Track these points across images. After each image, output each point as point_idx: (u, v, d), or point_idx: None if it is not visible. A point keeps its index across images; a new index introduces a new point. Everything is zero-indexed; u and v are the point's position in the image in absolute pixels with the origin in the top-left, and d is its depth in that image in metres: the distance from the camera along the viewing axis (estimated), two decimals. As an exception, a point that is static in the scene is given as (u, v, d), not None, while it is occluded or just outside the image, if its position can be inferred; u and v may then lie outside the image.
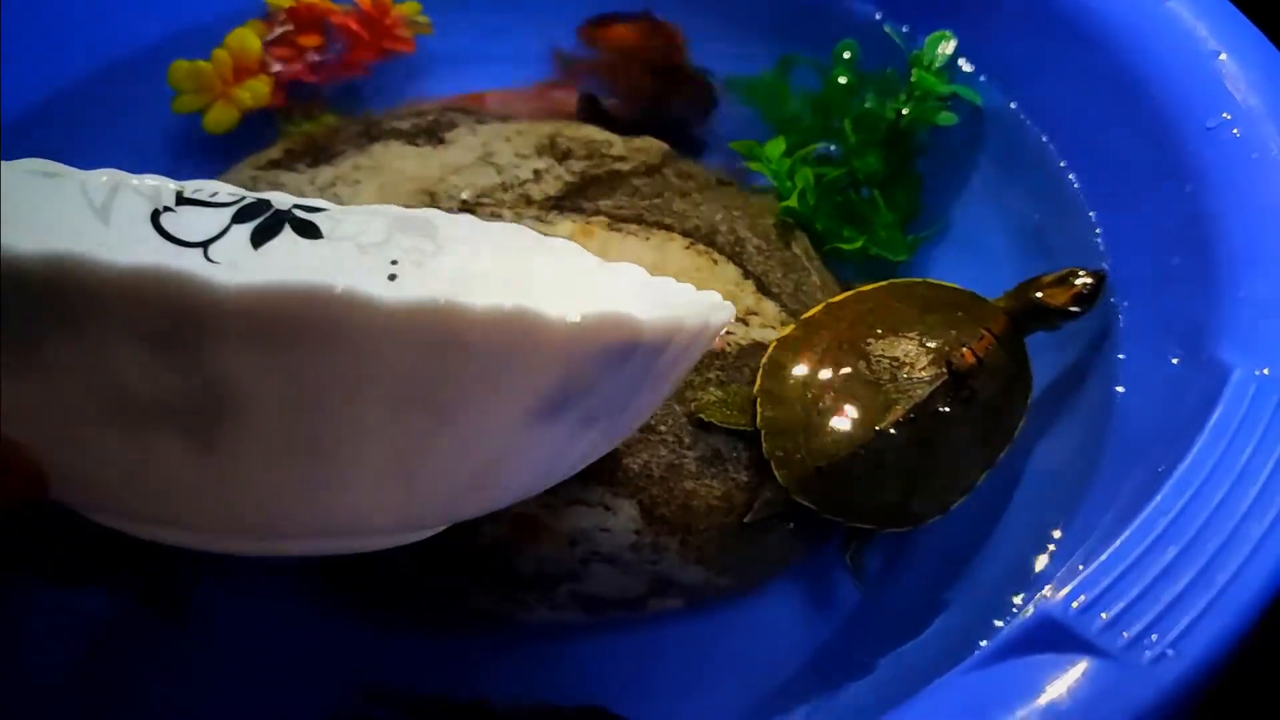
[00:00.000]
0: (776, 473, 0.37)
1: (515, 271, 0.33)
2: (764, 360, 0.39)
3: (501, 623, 0.37)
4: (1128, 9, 0.43)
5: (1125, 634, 0.27)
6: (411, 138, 0.45)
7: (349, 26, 0.52)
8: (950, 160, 0.48)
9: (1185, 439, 0.31)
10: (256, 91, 0.50)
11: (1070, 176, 0.45)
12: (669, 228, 0.43)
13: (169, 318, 0.20)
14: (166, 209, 0.33)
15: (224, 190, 0.34)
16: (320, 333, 0.21)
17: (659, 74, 0.52)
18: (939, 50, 0.48)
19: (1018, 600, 0.34)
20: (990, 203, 0.47)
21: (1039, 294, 0.40)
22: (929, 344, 0.38)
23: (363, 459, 0.24)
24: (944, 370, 0.38)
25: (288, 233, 0.34)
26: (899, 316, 0.39)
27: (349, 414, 0.23)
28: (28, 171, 0.31)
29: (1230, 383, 0.32)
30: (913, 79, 0.47)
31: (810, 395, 0.38)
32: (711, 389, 0.38)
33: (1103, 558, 0.28)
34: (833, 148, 0.49)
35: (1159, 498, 0.29)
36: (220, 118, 0.50)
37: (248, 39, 0.50)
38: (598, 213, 0.43)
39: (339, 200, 0.42)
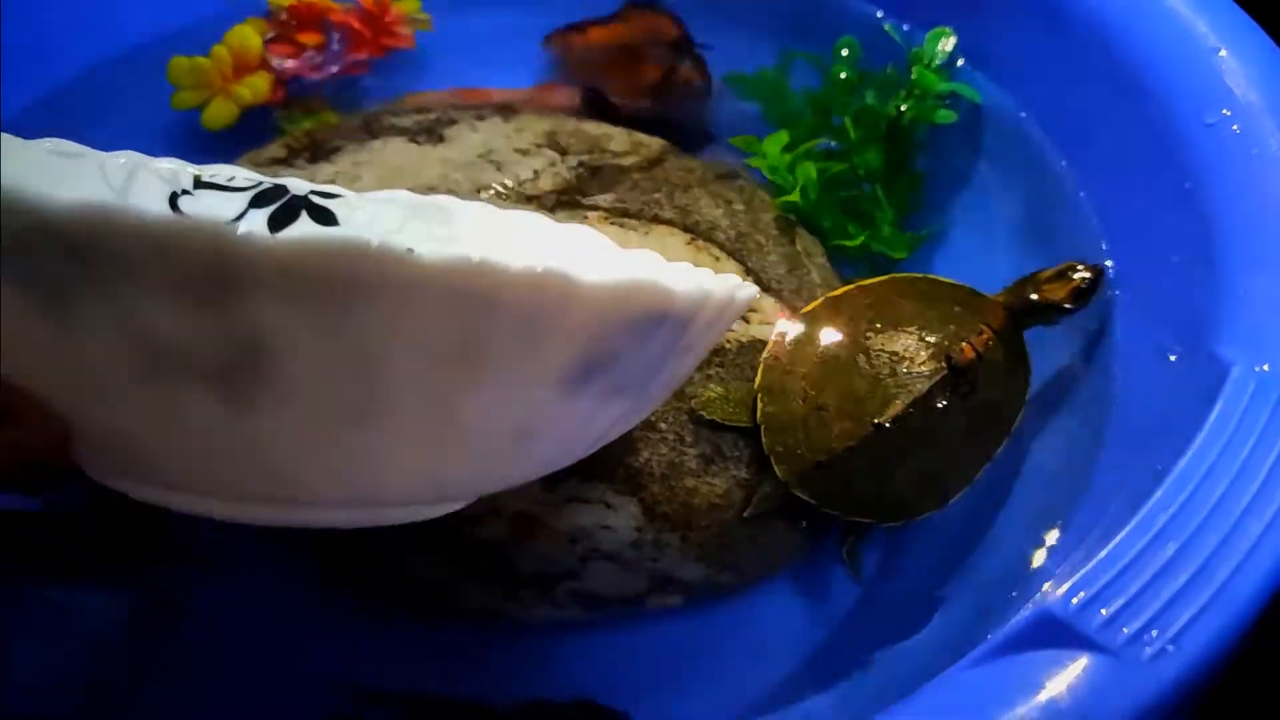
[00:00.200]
0: (776, 467, 0.37)
1: (535, 251, 0.33)
2: (764, 355, 0.39)
3: (501, 620, 0.37)
4: (1127, 6, 0.43)
5: (1125, 630, 0.27)
6: (412, 134, 0.45)
7: (349, 24, 0.52)
8: (950, 157, 0.48)
9: (1185, 435, 0.31)
10: (256, 88, 0.50)
11: (1069, 173, 0.45)
12: (669, 223, 0.43)
13: (205, 270, 0.20)
14: (185, 192, 0.33)
15: (240, 175, 0.34)
16: (356, 287, 0.21)
17: (650, 67, 0.52)
18: (939, 47, 0.47)
19: (1017, 596, 0.34)
20: (989, 199, 0.47)
21: (1037, 289, 0.40)
22: (928, 339, 0.38)
23: (394, 417, 0.23)
24: (943, 365, 0.38)
25: (304, 219, 0.34)
26: (899, 311, 0.40)
27: (382, 370, 0.22)
28: (46, 150, 0.31)
29: (1229, 379, 0.32)
30: (912, 76, 0.47)
31: (810, 390, 0.38)
32: (712, 386, 0.38)
33: (1102, 554, 0.28)
34: (833, 144, 0.49)
35: (1159, 494, 0.29)
36: (219, 114, 0.50)
37: (248, 36, 0.50)
38: (597, 208, 0.43)
39: (339, 197, 0.42)
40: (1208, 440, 0.30)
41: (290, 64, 0.50)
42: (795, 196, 0.45)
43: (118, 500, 0.38)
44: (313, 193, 0.34)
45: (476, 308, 0.22)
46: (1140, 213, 0.41)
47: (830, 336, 0.39)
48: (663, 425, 0.37)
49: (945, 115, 0.46)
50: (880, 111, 0.47)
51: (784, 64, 0.50)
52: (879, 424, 0.37)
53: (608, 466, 0.36)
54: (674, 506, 0.36)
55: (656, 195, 0.44)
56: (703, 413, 0.38)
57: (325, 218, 0.34)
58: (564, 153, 0.45)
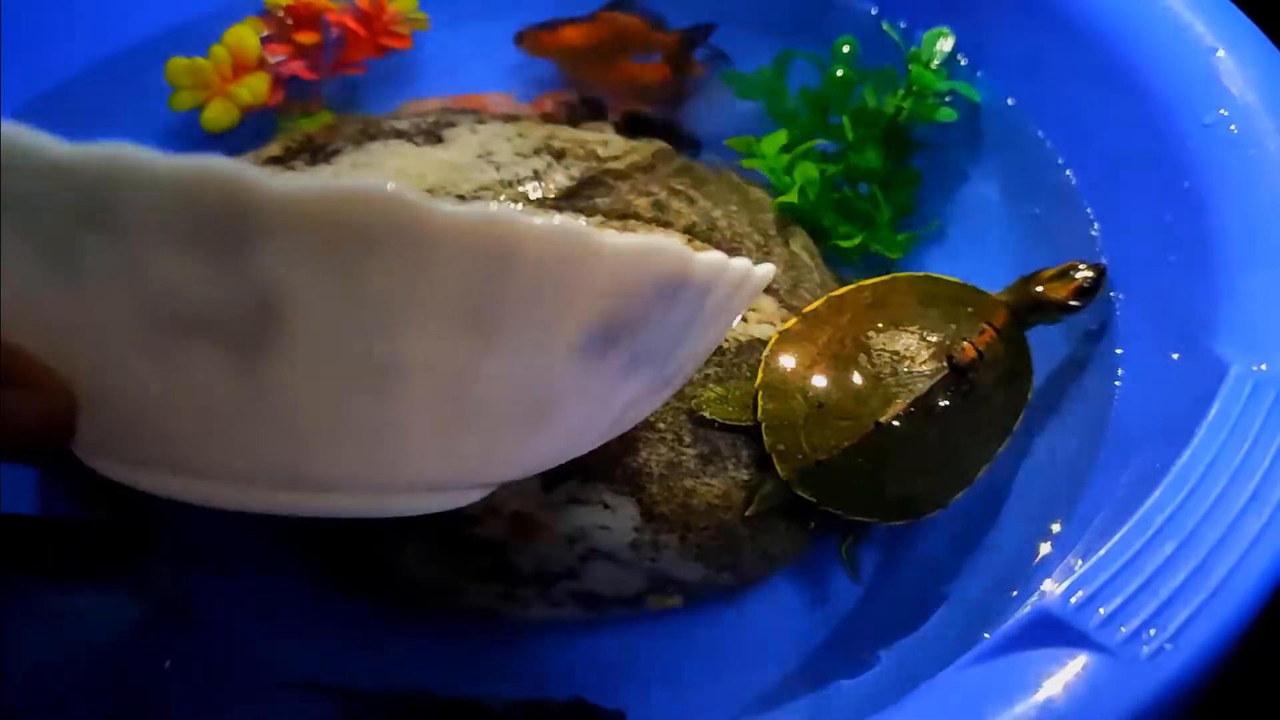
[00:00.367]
0: (777, 466, 0.37)
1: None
2: (765, 354, 0.39)
3: (500, 619, 0.37)
4: (1125, 6, 0.43)
5: (1123, 629, 0.27)
6: (410, 136, 0.45)
7: (346, 24, 0.52)
8: (949, 156, 0.49)
9: (1183, 434, 0.31)
10: (255, 89, 0.50)
11: (1068, 172, 0.45)
12: (667, 225, 0.43)
13: (218, 219, 0.20)
14: None
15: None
16: (372, 237, 0.20)
17: (640, 67, 0.52)
18: (937, 47, 0.48)
19: (1016, 595, 0.35)
20: (989, 198, 0.47)
21: (1040, 288, 0.40)
22: (930, 338, 0.38)
23: (408, 383, 0.23)
24: (945, 364, 0.38)
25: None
26: (900, 310, 0.40)
27: (399, 330, 0.22)
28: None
29: (1228, 378, 0.32)
30: (911, 75, 0.47)
31: (811, 389, 0.38)
32: (711, 385, 0.38)
33: (1101, 552, 0.28)
34: (831, 144, 0.49)
35: (1157, 493, 0.29)
36: (218, 115, 0.49)
37: (246, 36, 0.50)
38: (596, 210, 0.43)
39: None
40: (1206, 439, 0.30)
41: (288, 64, 0.50)
42: (793, 196, 0.45)
43: (114, 503, 0.38)
44: None
45: (495, 263, 0.21)
46: (1138, 212, 0.41)
47: (831, 335, 0.39)
48: (661, 425, 0.37)
49: (946, 113, 0.46)
50: (878, 110, 0.47)
51: (782, 63, 0.50)
52: (880, 423, 0.37)
53: (606, 466, 0.36)
54: (672, 506, 0.36)
55: (655, 197, 0.44)
56: (702, 412, 0.38)
57: None
58: (561, 156, 0.45)
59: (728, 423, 0.38)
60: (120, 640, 0.37)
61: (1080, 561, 0.29)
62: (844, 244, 0.46)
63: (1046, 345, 0.41)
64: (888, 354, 0.38)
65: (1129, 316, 0.40)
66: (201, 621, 0.37)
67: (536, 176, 0.44)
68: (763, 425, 0.37)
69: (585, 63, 0.53)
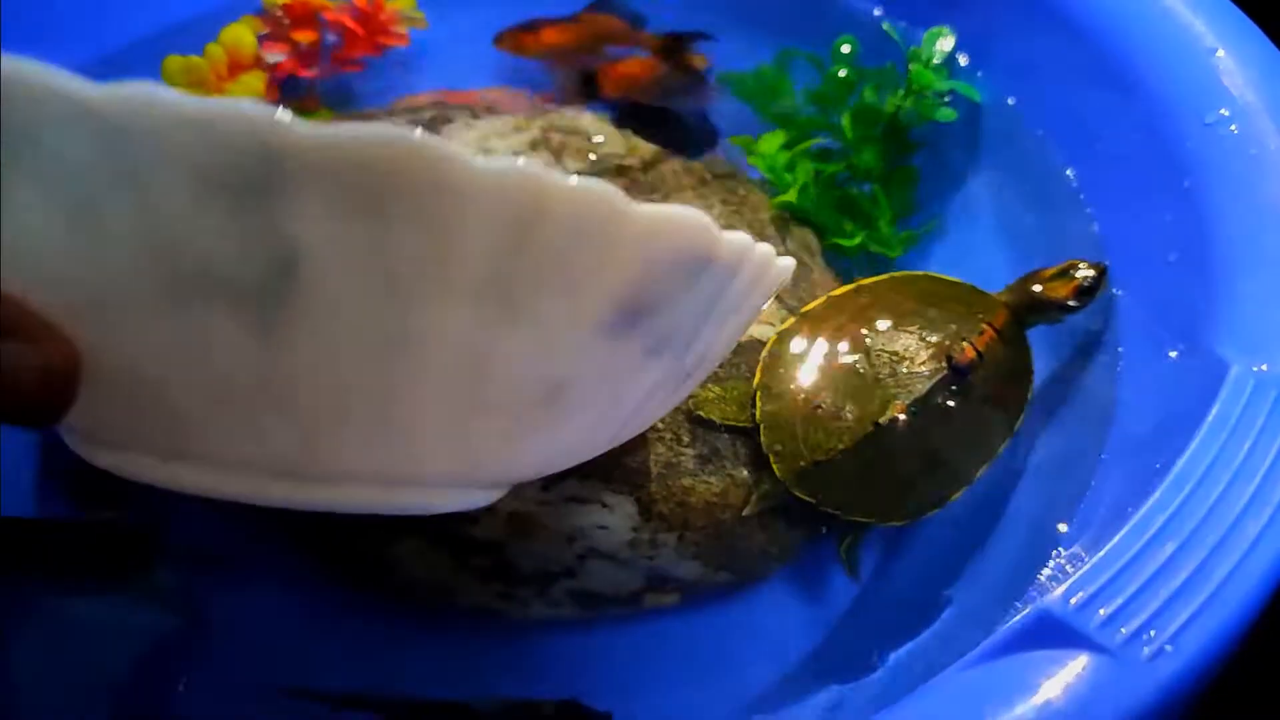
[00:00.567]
0: (775, 466, 0.37)
1: None
2: (764, 354, 0.39)
3: (498, 618, 0.37)
4: (1125, 6, 0.43)
5: (1123, 630, 0.27)
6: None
7: (344, 23, 0.51)
8: (948, 155, 0.49)
9: (1183, 434, 0.31)
10: (251, 87, 0.49)
11: (1068, 172, 0.45)
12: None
13: (243, 164, 0.19)
14: None
15: None
16: (399, 188, 0.20)
17: (607, 64, 0.52)
18: (937, 46, 0.48)
19: (1016, 596, 0.34)
20: (989, 198, 0.47)
21: (1040, 287, 0.40)
22: (929, 338, 0.38)
23: (428, 357, 0.22)
24: (944, 365, 0.38)
25: None
26: (900, 310, 0.39)
27: (420, 296, 0.21)
28: None
29: (1228, 378, 0.32)
30: (911, 74, 0.47)
31: (809, 389, 0.38)
32: (710, 385, 0.38)
33: (1101, 553, 0.28)
34: (831, 143, 0.48)
35: (1157, 493, 0.29)
36: (214, 113, 0.49)
37: (243, 34, 0.50)
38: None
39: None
40: (1206, 440, 0.30)
41: (284, 62, 0.50)
42: (792, 195, 0.45)
43: (118, 506, 0.38)
44: None
45: (522, 225, 0.21)
46: (1138, 212, 0.41)
47: (830, 335, 0.39)
48: (660, 425, 0.37)
49: (946, 113, 0.46)
50: (878, 109, 0.47)
51: (782, 63, 0.50)
52: (879, 424, 0.37)
53: (605, 466, 0.36)
54: (670, 506, 0.36)
55: (653, 195, 0.44)
56: (700, 412, 0.38)
57: None
58: (560, 152, 0.45)
59: (726, 423, 0.38)
60: (123, 644, 0.37)
61: (1080, 562, 0.29)
62: (844, 243, 0.46)
63: (1047, 345, 0.41)
64: (887, 354, 0.38)
65: (1129, 317, 0.40)
66: (203, 623, 0.37)
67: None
68: (760, 425, 0.37)
69: (567, 63, 0.52)
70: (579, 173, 0.43)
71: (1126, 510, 0.29)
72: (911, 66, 0.47)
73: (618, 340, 0.24)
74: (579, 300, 0.23)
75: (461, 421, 0.24)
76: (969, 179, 0.48)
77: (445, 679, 0.36)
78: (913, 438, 0.37)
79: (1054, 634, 0.27)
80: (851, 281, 0.42)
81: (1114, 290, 0.41)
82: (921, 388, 0.37)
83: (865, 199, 0.47)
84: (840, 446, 0.37)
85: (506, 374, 0.23)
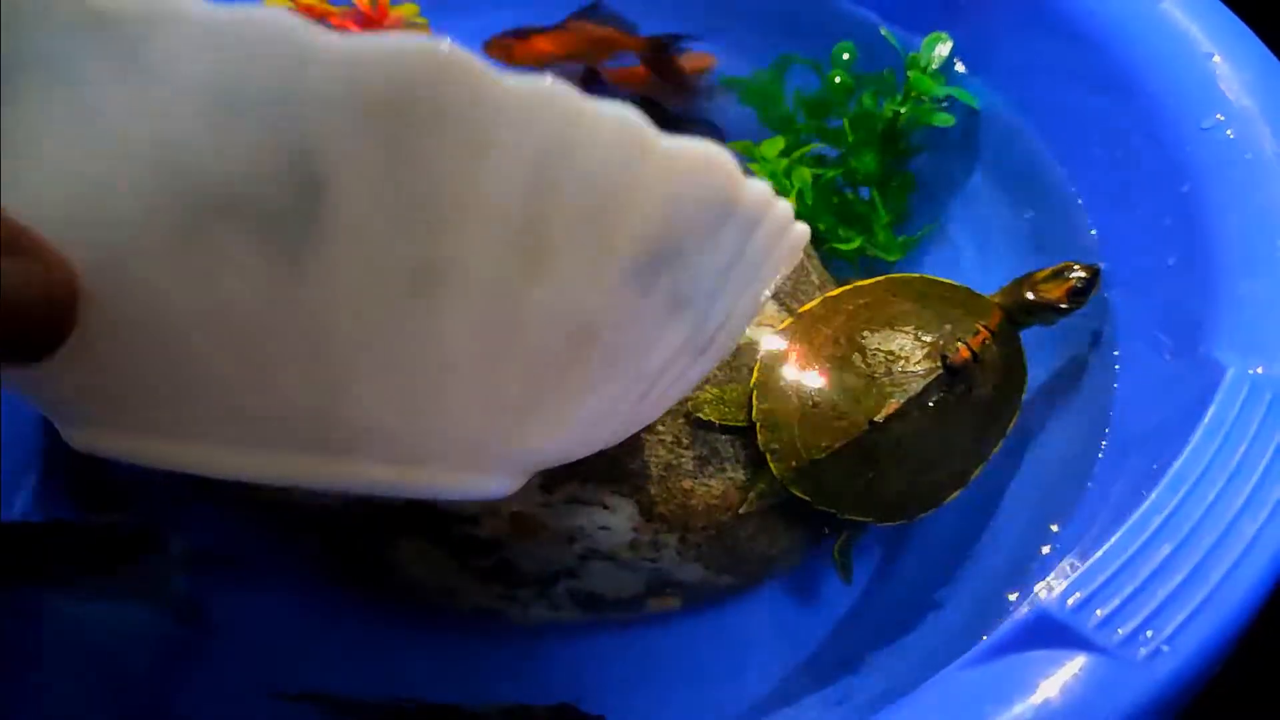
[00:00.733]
0: (771, 464, 0.37)
1: None
2: (761, 354, 0.39)
3: (499, 620, 0.37)
4: (1122, 11, 0.44)
5: (1120, 630, 0.27)
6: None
7: (348, 27, 0.52)
8: (946, 161, 0.49)
9: (1180, 436, 0.31)
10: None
11: (1065, 176, 0.45)
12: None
13: (266, 75, 0.18)
14: None
15: None
16: (429, 103, 0.19)
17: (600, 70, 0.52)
18: (935, 52, 0.48)
19: (1013, 596, 0.35)
20: (985, 202, 0.47)
21: (1034, 289, 0.40)
22: (924, 338, 0.39)
23: (454, 291, 0.21)
24: (939, 365, 0.38)
25: None
26: (895, 311, 0.40)
27: (451, 219, 0.20)
28: None
29: (1225, 380, 0.32)
30: (909, 80, 0.47)
31: (806, 388, 0.38)
32: (708, 387, 0.39)
33: (1098, 554, 0.28)
34: (828, 149, 0.49)
35: (1154, 495, 0.29)
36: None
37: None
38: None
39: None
40: (1202, 442, 0.31)
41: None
42: (791, 200, 0.45)
43: (121, 506, 0.38)
44: None
45: (551, 141, 0.20)
46: (1135, 216, 0.41)
47: (826, 335, 0.39)
48: (660, 427, 0.38)
49: (943, 119, 0.47)
50: (876, 115, 0.47)
51: (780, 68, 0.50)
52: (874, 423, 0.37)
53: (605, 469, 0.36)
54: (671, 507, 0.36)
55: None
56: (698, 414, 0.38)
57: None
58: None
59: (724, 423, 0.38)
60: (125, 645, 0.37)
61: (1077, 563, 0.29)
62: (842, 247, 0.46)
63: (1044, 347, 0.41)
64: (882, 354, 0.38)
65: (1127, 319, 0.40)
66: (204, 624, 0.37)
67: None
68: (757, 424, 0.38)
69: (558, 71, 0.52)
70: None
71: (1123, 511, 0.30)
72: (909, 72, 0.47)
73: (643, 289, 0.23)
74: (606, 234, 0.22)
75: (488, 373, 0.23)
76: (966, 184, 0.48)
77: (446, 680, 0.36)
78: (908, 437, 0.37)
79: (1051, 634, 0.27)
80: (848, 284, 0.42)
81: (1112, 292, 0.41)
82: (916, 387, 0.38)
83: (862, 204, 0.47)
84: (836, 445, 0.37)
85: (534, 316, 0.22)
